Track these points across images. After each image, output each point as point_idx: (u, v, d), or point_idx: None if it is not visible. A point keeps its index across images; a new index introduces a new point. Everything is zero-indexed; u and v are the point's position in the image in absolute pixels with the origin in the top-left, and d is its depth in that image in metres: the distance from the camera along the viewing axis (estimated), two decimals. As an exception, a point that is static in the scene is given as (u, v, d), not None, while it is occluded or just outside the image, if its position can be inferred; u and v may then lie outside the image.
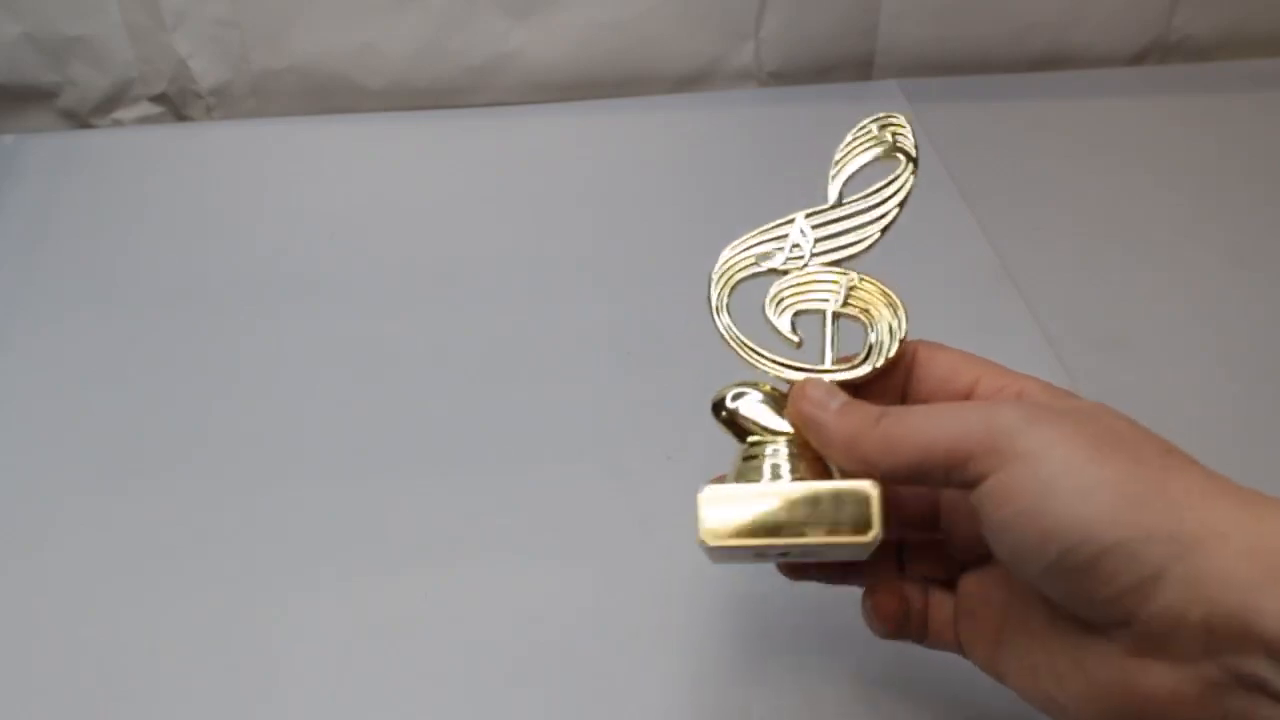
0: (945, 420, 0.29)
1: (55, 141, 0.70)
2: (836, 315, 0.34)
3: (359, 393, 0.52)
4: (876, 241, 0.34)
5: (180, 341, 0.55)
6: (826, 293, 0.34)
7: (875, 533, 0.30)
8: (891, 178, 0.35)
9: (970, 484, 0.28)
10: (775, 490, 0.31)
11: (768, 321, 0.34)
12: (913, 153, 0.35)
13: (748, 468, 0.33)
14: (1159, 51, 0.75)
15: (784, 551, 0.32)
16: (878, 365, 0.33)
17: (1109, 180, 0.65)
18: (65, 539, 0.46)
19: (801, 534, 0.31)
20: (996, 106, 0.71)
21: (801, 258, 0.35)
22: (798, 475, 0.32)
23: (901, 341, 0.33)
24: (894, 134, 0.35)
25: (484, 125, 0.70)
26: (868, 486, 0.30)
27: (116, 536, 0.46)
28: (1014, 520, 0.27)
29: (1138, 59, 0.75)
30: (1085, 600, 0.27)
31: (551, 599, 0.43)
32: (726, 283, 0.35)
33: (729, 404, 0.34)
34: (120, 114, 0.72)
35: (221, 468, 0.49)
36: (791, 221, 0.35)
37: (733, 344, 0.34)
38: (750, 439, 0.33)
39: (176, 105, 0.72)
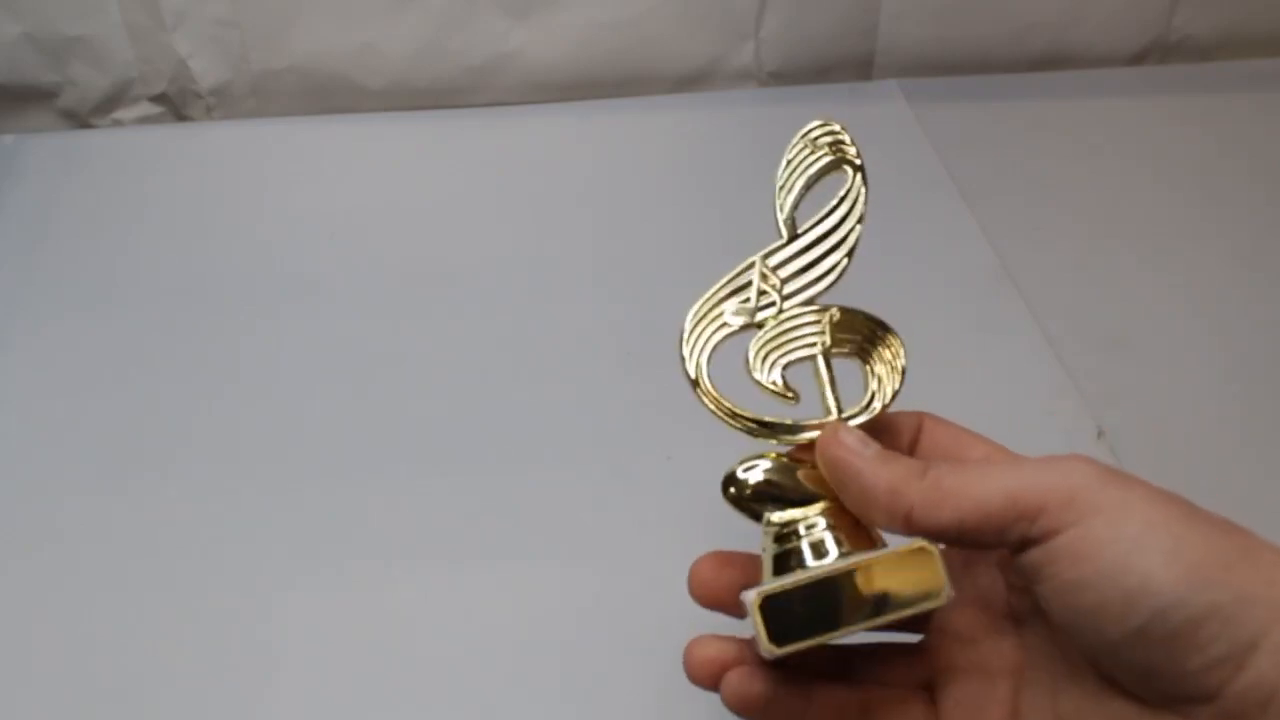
0: (1009, 472, 0.27)
1: (55, 141, 0.70)
2: (827, 356, 0.32)
3: (359, 393, 0.52)
4: (846, 268, 0.32)
5: (180, 341, 0.55)
6: (811, 335, 0.32)
7: (947, 592, 0.28)
8: (842, 194, 0.32)
9: (1032, 541, 0.26)
10: (830, 573, 0.28)
11: (756, 383, 0.32)
12: (857, 161, 0.33)
13: (786, 553, 0.30)
14: (1159, 51, 0.75)
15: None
16: (887, 400, 0.31)
17: (1109, 180, 0.65)
18: (65, 539, 0.46)
19: (870, 614, 0.28)
20: (996, 106, 0.71)
21: (773, 303, 0.32)
22: (844, 550, 0.29)
23: (903, 372, 0.31)
24: (833, 144, 0.33)
25: (484, 125, 0.70)
26: (926, 543, 0.28)
27: (116, 536, 0.46)
28: (1094, 579, 0.25)
29: (1138, 59, 0.75)
30: (1170, 672, 0.24)
31: (551, 599, 0.43)
32: (700, 351, 0.32)
33: (741, 476, 0.31)
34: (120, 114, 0.72)
35: (221, 467, 0.49)
36: (751, 266, 0.32)
37: (723, 416, 0.31)
38: (773, 518, 0.30)
39: (176, 105, 0.72)
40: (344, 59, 0.70)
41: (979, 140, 0.68)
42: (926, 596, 0.28)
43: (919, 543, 0.28)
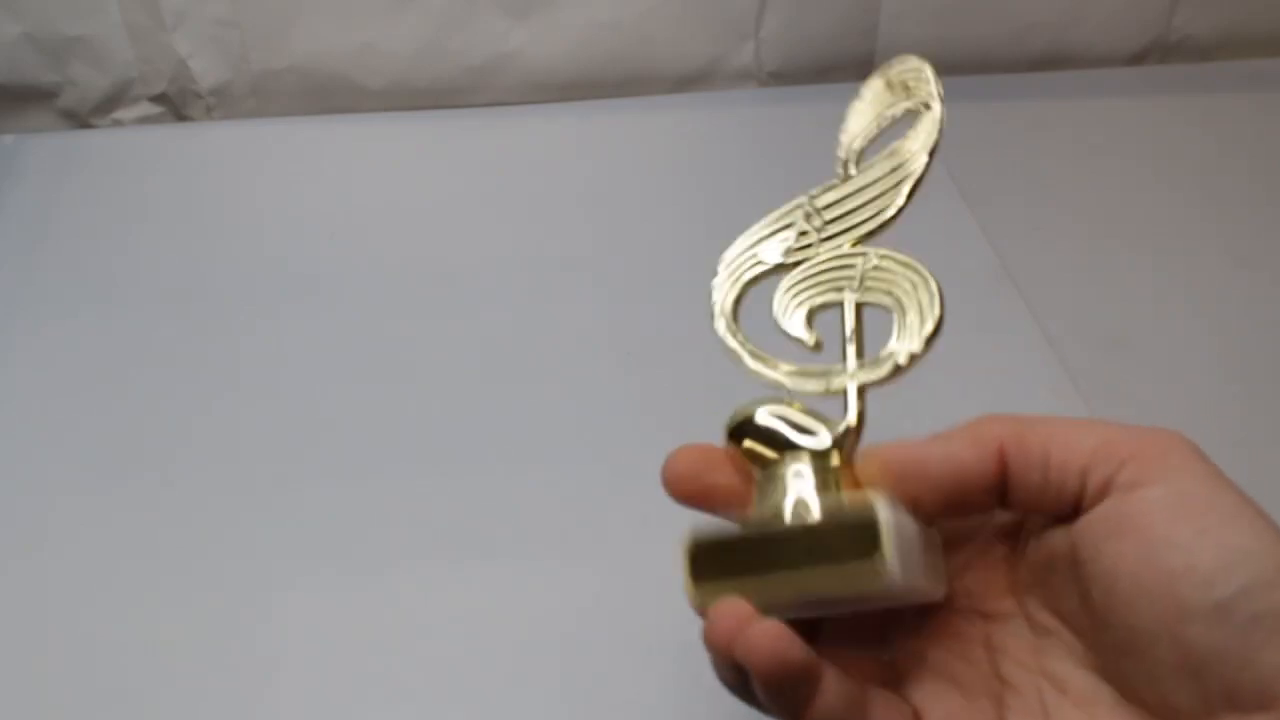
0: (1101, 425, 0.25)
1: (55, 141, 0.70)
2: (858, 306, 0.29)
3: (359, 393, 0.52)
4: (902, 208, 0.29)
5: (180, 341, 0.55)
6: (842, 280, 0.29)
7: (887, 562, 0.24)
8: (913, 133, 0.29)
9: (1116, 488, 0.24)
10: (767, 529, 0.26)
11: (777, 325, 0.29)
12: (934, 103, 0.29)
13: (764, 497, 0.27)
14: (1159, 51, 0.75)
15: (796, 606, 0.26)
16: (915, 352, 0.27)
17: (1109, 180, 0.65)
18: (65, 539, 0.46)
19: (802, 583, 0.25)
20: (996, 106, 0.71)
21: (810, 244, 0.29)
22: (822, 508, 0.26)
23: (936, 324, 0.27)
24: (909, 84, 0.30)
25: (484, 125, 0.70)
26: (871, 499, 0.25)
27: (116, 536, 0.46)
28: (1189, 538, 0.23)
29: (1138, 59, 0.75)
30: (1233, 662, 0.22)
31: (551, 599, 0.43)
32: (732, 286, 0.30)
33: (759, 421, 0.28)
34: (120, 114, 0.72)
35: (221, 467, 0.49)
36: (798, 206, 0.30)
37: (736, 349, 0.29)
38: (772, 456, 0.28)
39: (176, 105, 0.72)
40: (344, 59, 0.70)
41: (979, 140, 0.68)
42: (862, 579, 0.25)
43: (867, 513, 0.25)
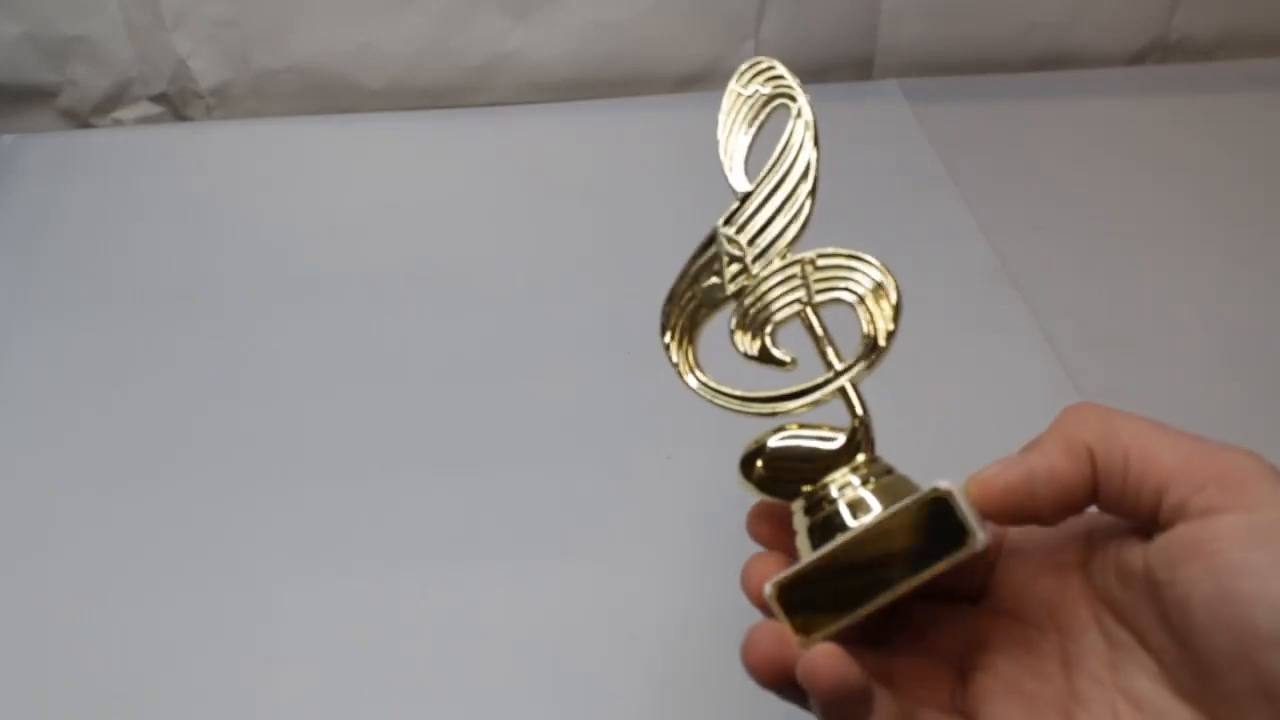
0: (1187, 439, 0.25)
1: (55, 141, 0.70)
2: (814, 307, 0.29)
3: (359, 392, 0.52)
4: (812, 208, 0.29)
5: (180, 341, 0.55)
6: (791, 292, 0.29)
7: (979, 537, 0.25)
8: (788, 133, 0.29)
9: (1175, 516, 0.24)
10: (841, 545, 0.26)
11: (744, 356, 0.30)
12: (794, 92, 0.30)
13: (823, 523, 0.27)
14: (1159, 51, 0.75)
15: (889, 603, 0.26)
16: (884, 343, 0.28)
17: (1109, 180, 0.65)
18: (65, 539, 0.46)
19: (899, 579, 0.25)
20: (996, 106, 0.71)
21: (744, 269, 0.30)
22: (884, 502, 0.27)
23: (897, 295, 0.28)
24: (767, 82, 0.30)
25: (484, 125, 0.70)
26: (944, 486, 0.26)
27: (116, 536, 0.46)
28: (1267, 567, 0.23)
29: (1138, 59, 0.75)
30: None
31: (551, 599, 0.43)
32: (682, 337, 0.30)
33: (774, 445, 0.28)
34: (120, 114, 0.72)
35: (220, 467, 0.49)
36: (713, 238, 0.30)
37: (724, 401, 0.29)
38: (805, 491, 0.28)
39: (176, 105, 0.72)
40: (344, 59, 0.70)
41: (979, 140, 0.68)
42: (956, 546, 0.25)
43: (937, 489, 0.26)
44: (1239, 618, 0.23)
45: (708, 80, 0.73)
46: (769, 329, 0.30)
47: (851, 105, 0.71)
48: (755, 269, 0.29)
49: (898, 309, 0.28)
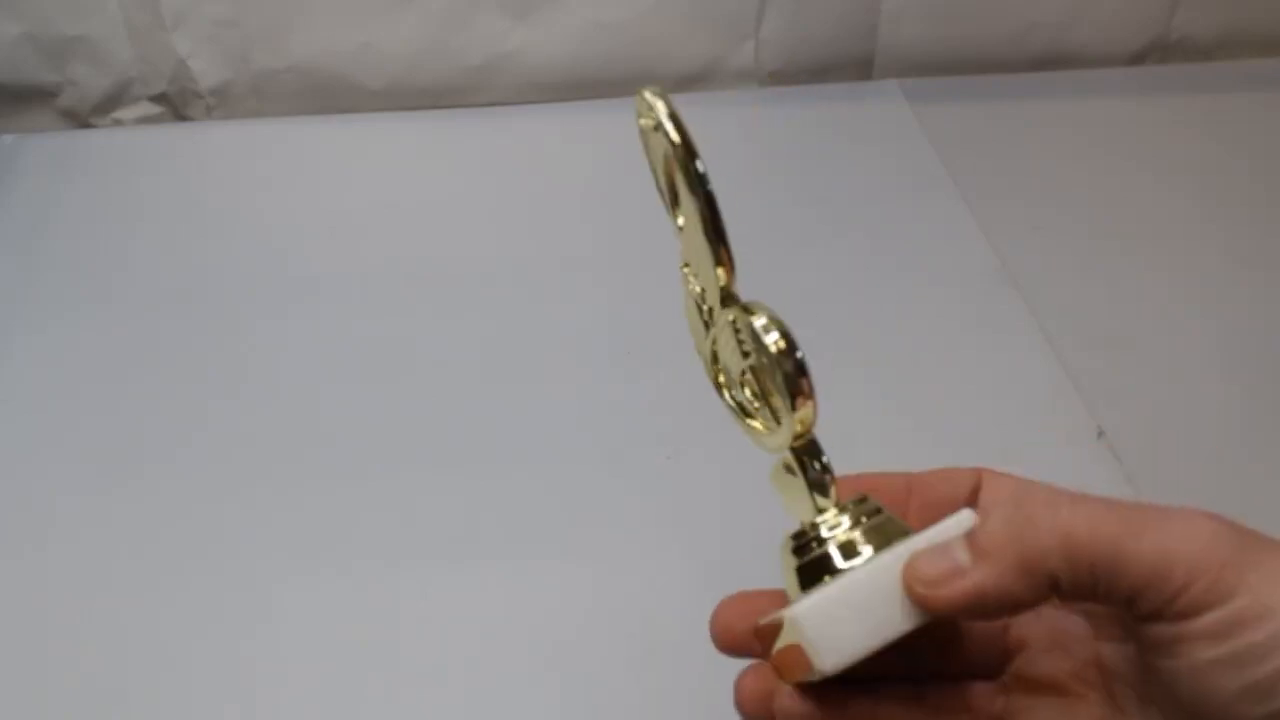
0: (1152, 528, 0.24)
1: (55, 141, 0.70)
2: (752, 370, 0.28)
3: (359, 392, 0.52)
4: (714, 220, 0.28)
5: (179, 341, 0.55)
6: (732, 351, 0.28)
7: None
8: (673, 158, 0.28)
9: (1183, 610, 0.24)
10: (873, 570, 0.26)
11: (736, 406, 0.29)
12: (663, 122, 0.28)
13: (812, 564, 0.27)
14: (1159, 51, 0.75)
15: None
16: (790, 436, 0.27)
17: (1109, 180, 0.65)
18: (65, 539, 0.46)
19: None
20: (996, 106, 0.71)
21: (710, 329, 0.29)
22: (875, 544, 0.26)
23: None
24: (644, 119, 0.29)
25: (484, 125, 0.70)
26: (965, 517, 0.26)
27: (116, 536, 0.46)
28: (1244, 656, 0.23)
29: (1137, 59, 0.75)
30: None
31: (551, 599, 0.43)
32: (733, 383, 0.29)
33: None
34: (120, 114, 0.72)
35: (220, 467, 0.49)
36: (687, 282, 0.30)
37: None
38: (793, 533, 0.28)
39: (176, 105, 0.72)
40: (344, 59, 0.70)
41: (979, 140, 0.68)
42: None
43: (960, 516, 0.26)
44: (1226, 708, 0.24)
45: (708, 80, 0.73)
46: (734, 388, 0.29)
47: (851, 105, 0.71)
48: (713, 330, 0.29)
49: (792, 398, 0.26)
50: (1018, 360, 0.53)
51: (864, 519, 0.27)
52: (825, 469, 0.28)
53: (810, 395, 0.26)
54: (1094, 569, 0.24)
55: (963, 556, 0.25)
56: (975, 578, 0.25)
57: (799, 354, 0.26)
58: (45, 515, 0.47)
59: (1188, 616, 0.24)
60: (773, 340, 0.26)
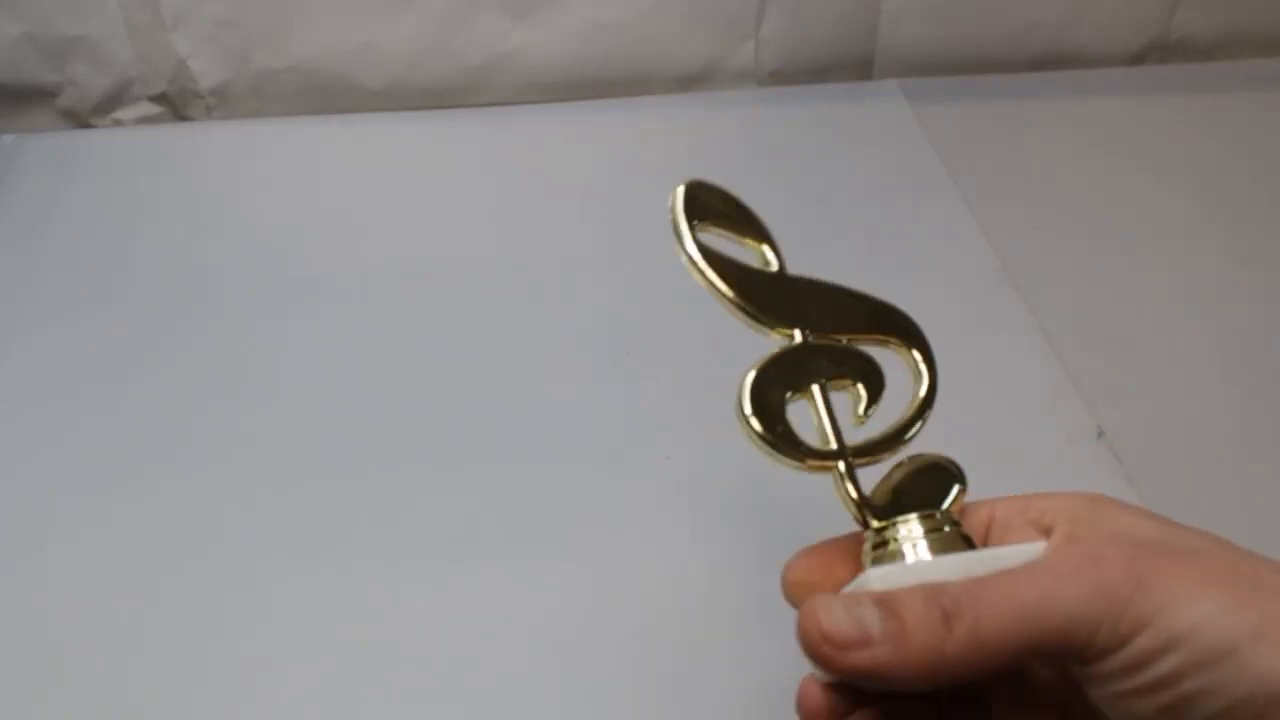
0: (1046, 593, 0.25)
1: (55, 141, 0.70)
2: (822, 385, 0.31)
3: (359, 393, 0.52)
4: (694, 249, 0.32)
5: (180, 341, 0.55)
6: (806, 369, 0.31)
7: None
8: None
9: (1093, 658, 0.25)
10: (952, 561, 0.27)
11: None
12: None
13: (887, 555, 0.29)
14: (1159, 51, 0.75)
15: None
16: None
17: (1109, 180, 0.65)
18: (65, 539, 0.46)
19: None
20: (996, 106, 0.71)
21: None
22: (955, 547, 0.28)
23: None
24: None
25: (484, 125, 0.71)
26: (1038, 548, 0.27)
27: (116, 536, 0.46)
28: (1169, 682, 0.24)
29: (1137, 59, 0.75)
30: None
31: (551, 599, 0.43)
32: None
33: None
34: (120, 114, 0.72)
35: (220, 467, 0.49)
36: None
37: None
38: (875, 524, 0.29)
39: (176, 105, 0.72)
40: (344, 59, 0.70)
41: (979, 140, 0.68)
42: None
43: (1033, 546, 0.27)
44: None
45: (708, 80, 0.73)
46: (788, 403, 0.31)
47: (851, 105, 0.71)
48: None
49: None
50: (1018, 360, 0.53)
51: (938, 530, 0.29)
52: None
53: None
54: (1002, 655, 0.25)
55: (873, 621, 0.26)
56: (931, 657, 0.25)
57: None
58: (45, 515, 0.47)
59: (1100, 659, 0.25)
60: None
